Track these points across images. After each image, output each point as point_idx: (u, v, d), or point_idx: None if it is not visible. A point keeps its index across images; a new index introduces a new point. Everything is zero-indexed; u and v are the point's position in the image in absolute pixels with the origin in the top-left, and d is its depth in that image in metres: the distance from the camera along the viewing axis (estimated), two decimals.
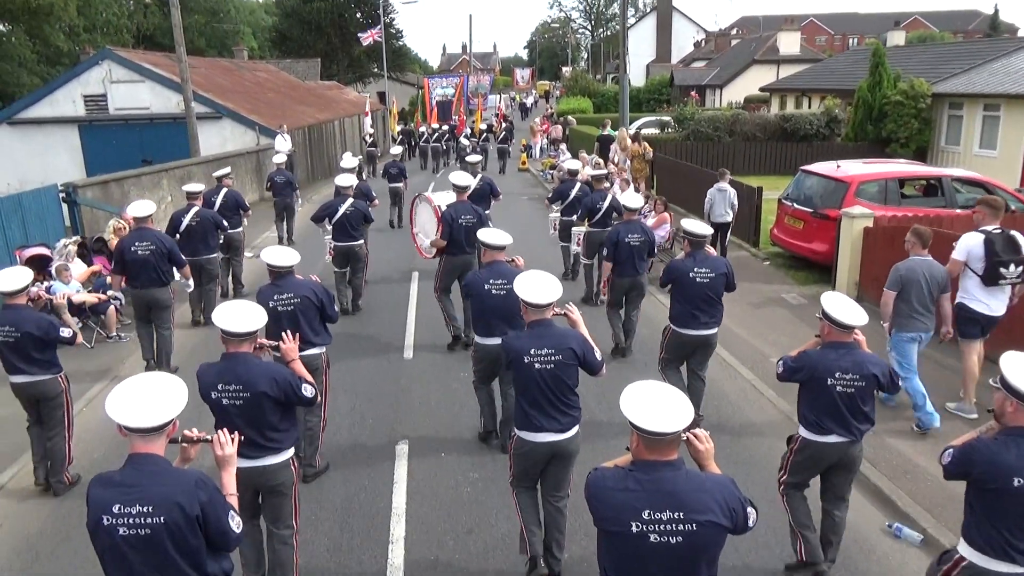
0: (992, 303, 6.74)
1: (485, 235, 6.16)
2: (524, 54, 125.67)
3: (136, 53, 22.73)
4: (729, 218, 12.21)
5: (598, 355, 4.62)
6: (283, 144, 19.89)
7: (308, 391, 4.29)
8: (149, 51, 24.91)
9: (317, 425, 6.11)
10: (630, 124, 35.90)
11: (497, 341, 5.61)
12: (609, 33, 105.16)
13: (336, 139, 29.27)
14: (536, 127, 34.38)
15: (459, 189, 8.88)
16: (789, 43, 43.18)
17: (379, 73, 51.53)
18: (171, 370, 8.05)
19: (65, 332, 5.82)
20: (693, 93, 30.72)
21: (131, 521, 2.87)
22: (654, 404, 2.92)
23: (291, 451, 4.39)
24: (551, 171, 22.82)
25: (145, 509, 2.87)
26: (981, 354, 7.02)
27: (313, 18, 54.29)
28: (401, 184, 16.47)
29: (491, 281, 5.98)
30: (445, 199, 9.23)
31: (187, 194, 9.93)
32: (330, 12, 54.71)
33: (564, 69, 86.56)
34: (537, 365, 4.45)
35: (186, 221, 9.55)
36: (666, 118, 33.91)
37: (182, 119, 20.83)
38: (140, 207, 8.15)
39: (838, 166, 11.96)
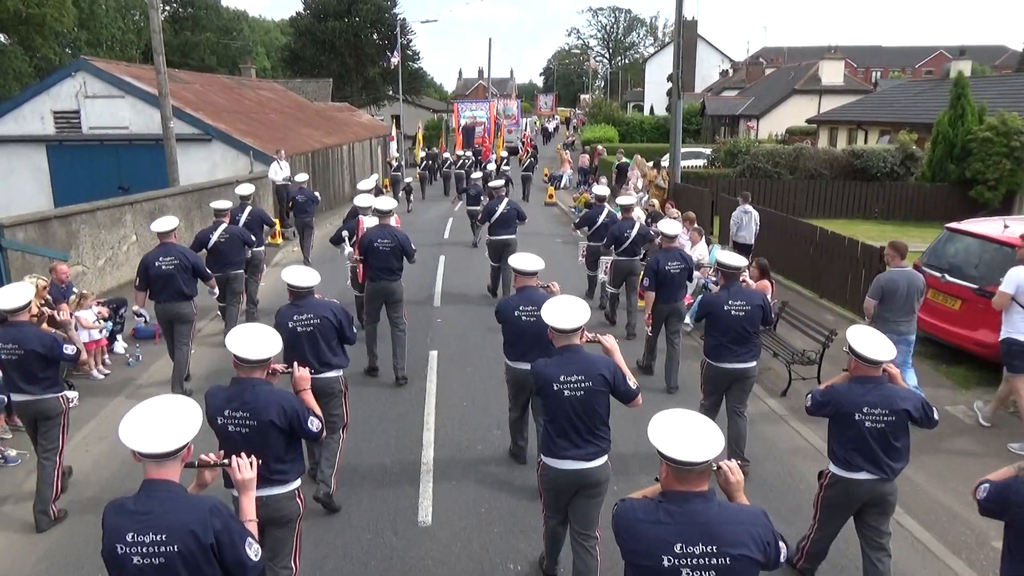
0: None
1: (516, 260, 6.00)
2: (540, 81, 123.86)
3: (115, 64, 19.98)
4: (751, 240, 12.55)
5: (632, 383, 4.41)
6: (278, 172, 17.06)
7: (314, 425, 4.13)
8: (132, 64, 22.15)
9: (337, 443, 5.93)
10: (663, 156, 33.45)
11: (526, 366, 5.52)
12: (627, 61, 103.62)
13: (344, 165, 26.48)
14: (564, 155, 31.75)
15: (381, 213, 8.56)
16: (832, 72, 40.26)
17: (394, 96, 49.22)
18: (184, 391, 7.74)
19: (69, 349, 5.59)
20: (750, 124, 27.61)
21: (144, 550, 2.79)
22: (684, 433, 2.83)
23: (297, 482, 4.19)
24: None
25: (159, 537, 2.80)
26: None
27: (327, 38, 52.28)
28: (479, 207, 16.46)
29: (521, 307, 5.86)
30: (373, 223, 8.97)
31: (215, 211, 9.73)
32: (345, 32, 52.73)
33: (583, 97, 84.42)
34: (567, 392, 4.30)
35: (214, 238, 9.37)
36: (704, 150, 31.17)
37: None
38: (162, 223, 8.01)
39: (1006, 225, 8.92)
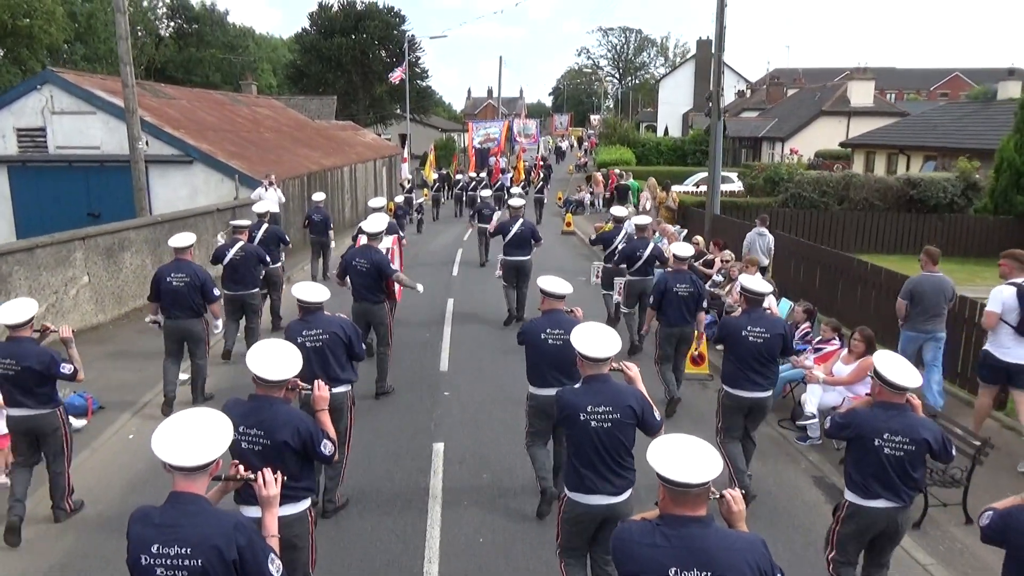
0: (1021, 352, 6.85)
1: (544, 282, 5.96)
2: (549, 100, 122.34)
3: (87, 77, 17.97)
4: (766, 262, 12.31)
5: (657, 415, 4.31)
6: (264, 198, 14.95)
7: (327, 448, 4.07)
8: (107, 76, 20.13)
9: (341, 461, 5.87)
10: (686, 180, 31.43)
11: (551, 392, 5.40)
12: (637, 82, 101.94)
13: (345, 189, 24.49)
14: (597, 176, 30.00)
15: (368, 235, 8.67)
16: (861, 93, 38.14)
17: (401, 114, 47.46)
18: (206, 398, 8.11)
19: (66, 368, 5.59)
20: (793, 148, 25.38)
21: (169, 562, 2.82)
22: (681, 455, 2.84)
23: (308, 501, 4.15)
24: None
25: (183, 551, 2.82)
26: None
27: (333, 55, 50.78)
28: (487, 225, 16.50)
29: (548, 330, 5.74)
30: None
31: (233, 228, 9.95)
32: (352, 49, 51.22)
33: (593, 117, 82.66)
34: (593, 423, 4.16)
35: (230, 255, 9.39)
36: (730, 174, 29.05)
37: (145, 161, 16.14)
38: (179, 239, 8.06)
39: None
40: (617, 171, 29.57)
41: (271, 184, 15.26)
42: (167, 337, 8.01)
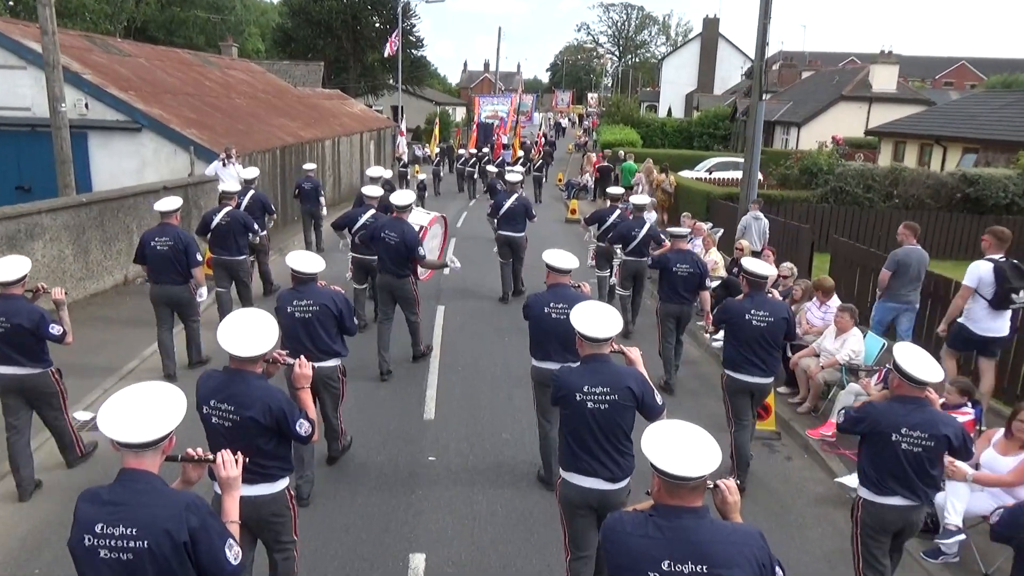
0: (996, 324, 7.21)
1: (550, 256, 5.89)
2: (546, 77, 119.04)
3: (16, 25, 15.08)
4: (759, 247, 11.88)
5: (659, 398, 4.14)
6: (221, 173, 12.53)
7: (303, 428, 3.80)
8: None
9: (337, 426, 6.10)
10: (697, 165, 29.14)
11: (552, 365, 5.48)
12: (638, 60, 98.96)
13: (326, 164, 21.97)
14: (591, 157, 28.11)
15: (397, 208, 8.44)
16: (884, 78, 35.77)
17: (394, 85, 44.74)
18: (203, 361, 8.27)
19: (55, 329, 5.51)
20: (836, 136, 22.96)
21: (113, 543, 2.61)
22: (678, 446, 2.66)
23: (286, 480, 3.93)
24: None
25: (129, 531, 2.60)
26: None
27: (323, 19, 47.88)
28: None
29: (552, 304, 5.67)
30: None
31: (223, 194, 9.90)
32: (343, 13, 48.36)
33: (590, 95, 79.91)
34: (590, 404, 4.02)
35: (217, 220, 9.41)
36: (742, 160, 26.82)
37: (84, 127, 13.76)
38: (164, 203, 7.99)
39: None
40: (621, 152, 27.26)
41: (230, 158, 12.81)
42: (155, 304, 7.99)
